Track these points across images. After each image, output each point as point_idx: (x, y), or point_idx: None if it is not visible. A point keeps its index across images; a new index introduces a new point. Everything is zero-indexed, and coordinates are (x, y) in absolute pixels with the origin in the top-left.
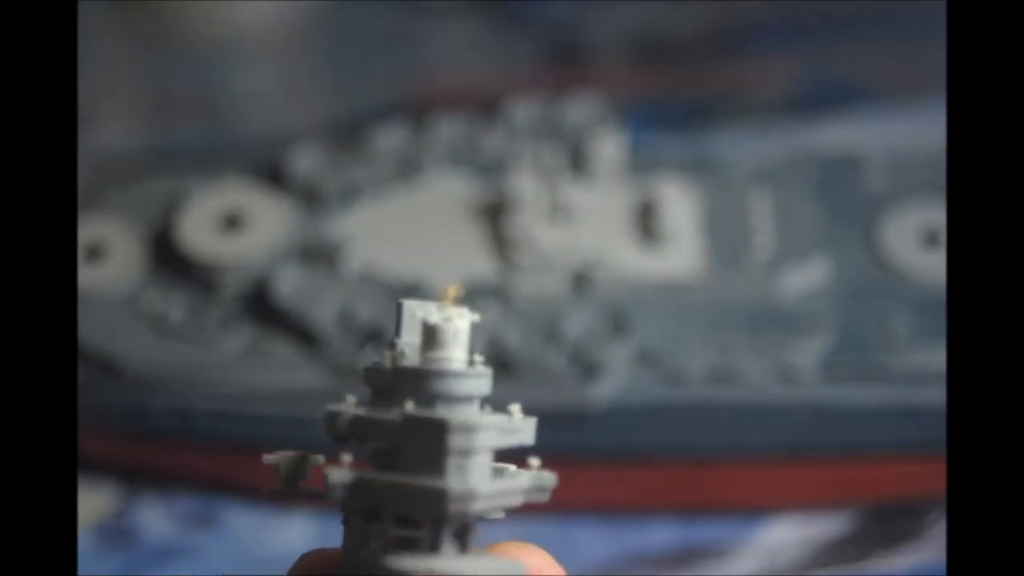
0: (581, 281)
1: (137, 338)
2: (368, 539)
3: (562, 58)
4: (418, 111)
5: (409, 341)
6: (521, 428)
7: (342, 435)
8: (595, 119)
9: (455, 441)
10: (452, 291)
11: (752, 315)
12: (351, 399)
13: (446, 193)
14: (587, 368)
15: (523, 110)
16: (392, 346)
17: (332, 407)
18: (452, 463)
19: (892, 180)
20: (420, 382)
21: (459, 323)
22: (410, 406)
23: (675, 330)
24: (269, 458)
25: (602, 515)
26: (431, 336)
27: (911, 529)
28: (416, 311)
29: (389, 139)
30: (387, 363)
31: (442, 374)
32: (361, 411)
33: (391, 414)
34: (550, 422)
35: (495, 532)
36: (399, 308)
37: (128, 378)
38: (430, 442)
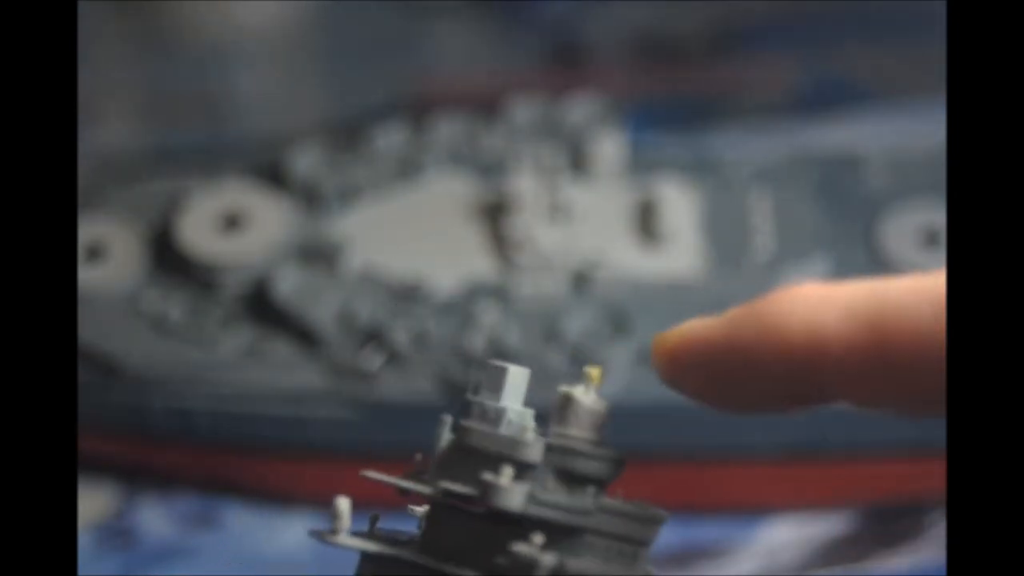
0: (581, 281)
1: (137, 338)
2: None
3: (562, 58)
4: (418, 111)
5: (512, 408)
6: None
7: (511, 512)
8: (595, 119)
9: (655, 533)
10: (597, 373)
11: None
12: (508, 471)
13: (446, 193)
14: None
15: (523, 110)
16: (499, 414)
17: (491, 479)
18: (643, 553)
19: (892, 180)
20: (577, 463)
21: (604, 408)
22: (592, 491)
23: None
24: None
25: None
26: (586, 418)
27: (911, 529)
28: (520, 379)
29: (389, 139)
30: (527, 435)
31: (606, 459)
32: (526, 487)
33: (580, 500)
34: (550, 422)
35: None
36: (502, 372)
37: (128, 378)
38: (632, 533)
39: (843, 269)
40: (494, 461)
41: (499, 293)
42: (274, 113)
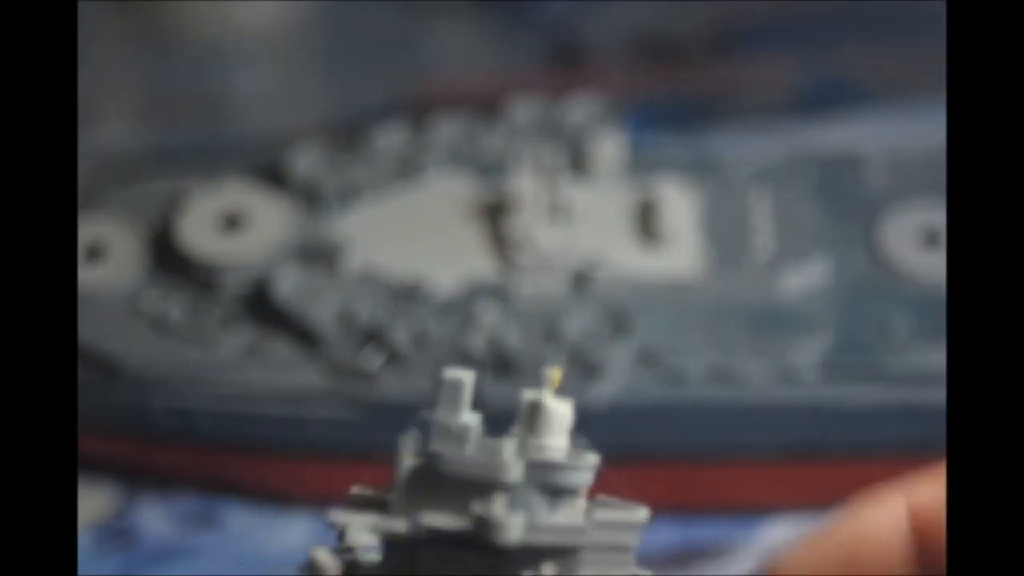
0: (581, 281)
1: (137, 338)
2: None
3: (562, 58)
4: (418, 111)
5: (468, 417)
6: None
7: (511, 546)
8: (595, 119)
9: (641, 534)
10: (558, 375)
11: (752, 315)
12: (501, 501)
13: (446, 193)
14: (587, 368)
15: (523, 110)
16: (463, 432)
17: (484, 514)
18: (632, 558)
19: (892, 180)
20: (560, 476)
21: (571, 411)
22: (582, 505)
23: (675, 330)
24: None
25: None
26: (558, 424)
27: None
28: (470, 385)
29: (389, 139)
30: (505, 454)
31: (586, 467)
32: (522, 517)
33: (573, 517)
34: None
35: None
36: (459, 384)
37: (128, 378)
38: (623, 540)
39: (843, 269)
40: (475, 488)
41: (499, 293)
42: (274, 113)
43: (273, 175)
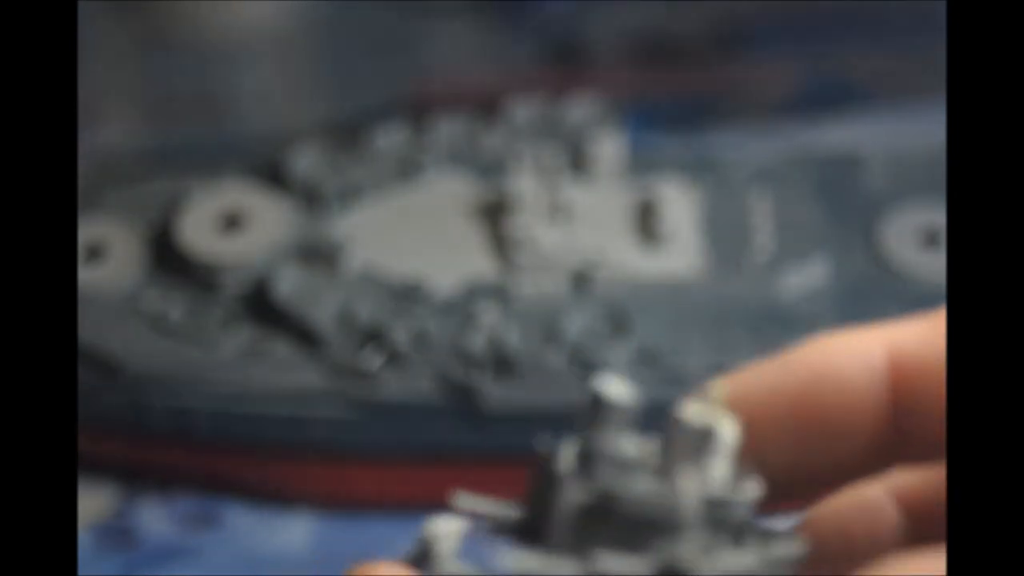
0: (581, 281)
1: (137, 338)
2: None
3: (562, 58)
4: (418, 111)
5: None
6: None
7: None
8: (595, 119)
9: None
10: (722, 389)
11: (752, 315)
12: (693, 543)
13: (446, 193)
14: (587, 368)
15: (523, 110)
16: (625, 464)
17: (680, 559)
18: None
19: (892, 180)
20: (738, 513)
21: (736, 432)
22: (765, 542)
23: (675, 330)
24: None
25: None
26: (726, 451)
27: None
28: (625, 405)
29: (389, 139)
30: (682, 489)
31: (756, 497)
32: (721, 562)
33: (743, 553)
34: (550, 422)
35: None
36: (622, 408)
37: (128, 378)
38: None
39: (843, 269)
40: (648, 523)
41: (499, 293)
42: (274, 113)
43: (273, 175)
